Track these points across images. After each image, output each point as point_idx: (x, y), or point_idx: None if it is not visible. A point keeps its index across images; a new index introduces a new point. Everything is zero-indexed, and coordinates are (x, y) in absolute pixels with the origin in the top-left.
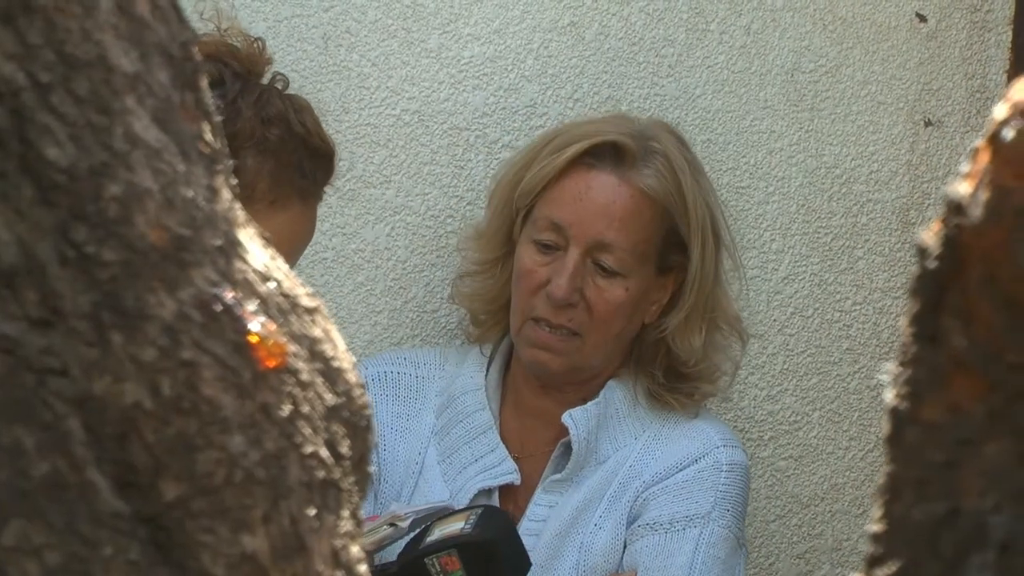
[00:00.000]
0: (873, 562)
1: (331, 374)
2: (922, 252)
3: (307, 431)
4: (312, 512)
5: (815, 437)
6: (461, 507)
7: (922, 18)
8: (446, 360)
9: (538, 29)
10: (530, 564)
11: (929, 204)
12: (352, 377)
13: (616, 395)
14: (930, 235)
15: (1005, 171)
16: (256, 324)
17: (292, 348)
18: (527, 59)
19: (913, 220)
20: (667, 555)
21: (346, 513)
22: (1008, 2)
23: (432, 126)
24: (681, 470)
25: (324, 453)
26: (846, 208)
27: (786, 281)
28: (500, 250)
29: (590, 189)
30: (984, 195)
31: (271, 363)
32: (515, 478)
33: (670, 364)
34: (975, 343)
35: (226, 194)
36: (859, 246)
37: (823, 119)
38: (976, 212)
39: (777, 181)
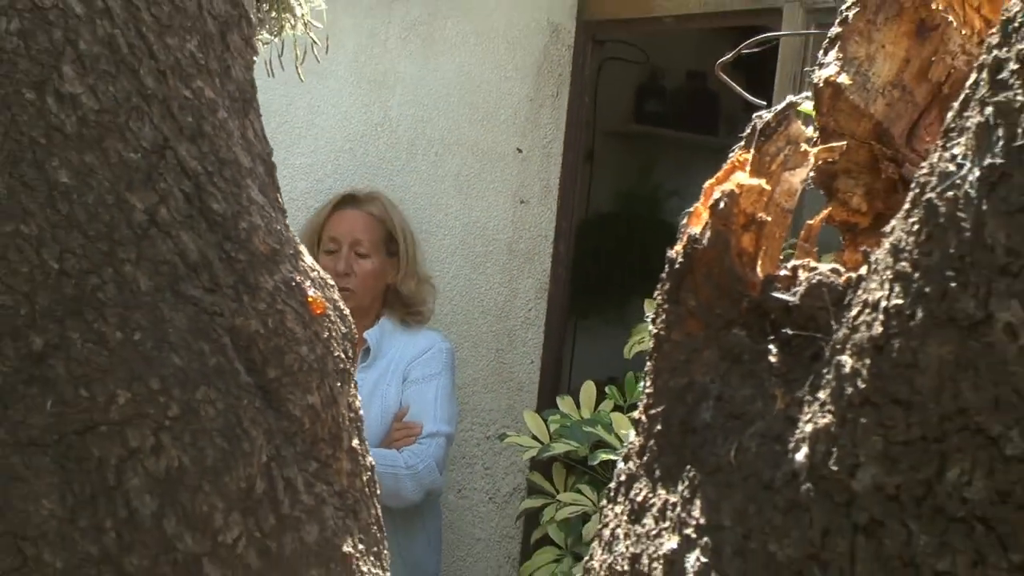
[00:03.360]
0: (647, 408)
1: (343, 317)
2: (671, 260)
3: (334, 344)
4: (339, 384)
5: (465, 352)
6: None
7: (519, 150)
8: None
9: (332, 151)
10: None
11: (522, 242)
12: (350, 319)
13: (385, 322)
14: (675, 251)
15: (719, 223)
16: (311, 291)
17: (327, 304)
18: (328, 165)
19: (515, 250)
20: (422, 394)
21: (352, 385)
22: (560, 143)
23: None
24: (424, 353)
25: (341, 355)
26: (484, 242)
27: (454, 278)
28: None
29: (344, 217)
30: (707, 233)
31: (318, 311)
32: None
33: (404, 303)
34: (700, 304)
35: (291, 229)
36: (488, 262)
37: (474, 199)
38: (704, 241)
39: (449, 229)
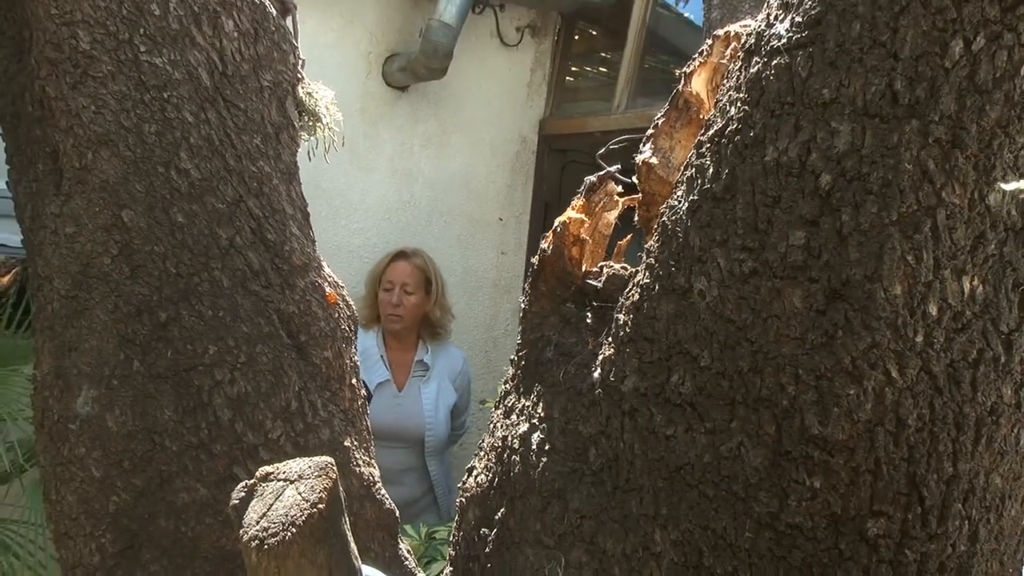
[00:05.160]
0: (517, 351)
1: (348, 305)
2: (532, 264)
3: (342, 321)
4: (344, 346)
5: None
6: None
7: (501, 219)
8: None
9: (376, 220)
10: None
11: (503, 280)
12: (353, 306)
13: (425, 343)
14: (535, 259)
15: (557, 240)
16: (328, 289)
17: (337, 297)
18: (373, 229)
19: (498, 285)
20: (465, 399)
21: (353, 347)
22: (528, 214)
23: (339, 256)
24: (460, 372)
25: (346, 328)
26: (476, 280)
27: (456, 304)
28: (372, 300)
29: (397, 267)
30: (551, 247)
31: (332, 301)
32: (388, 376)
33: (433, 325)
34: (548, 289)
35: (317, 250)
36: (480, 293)
37: (470, 251)
38: (549, 251)
39: (453, 272)
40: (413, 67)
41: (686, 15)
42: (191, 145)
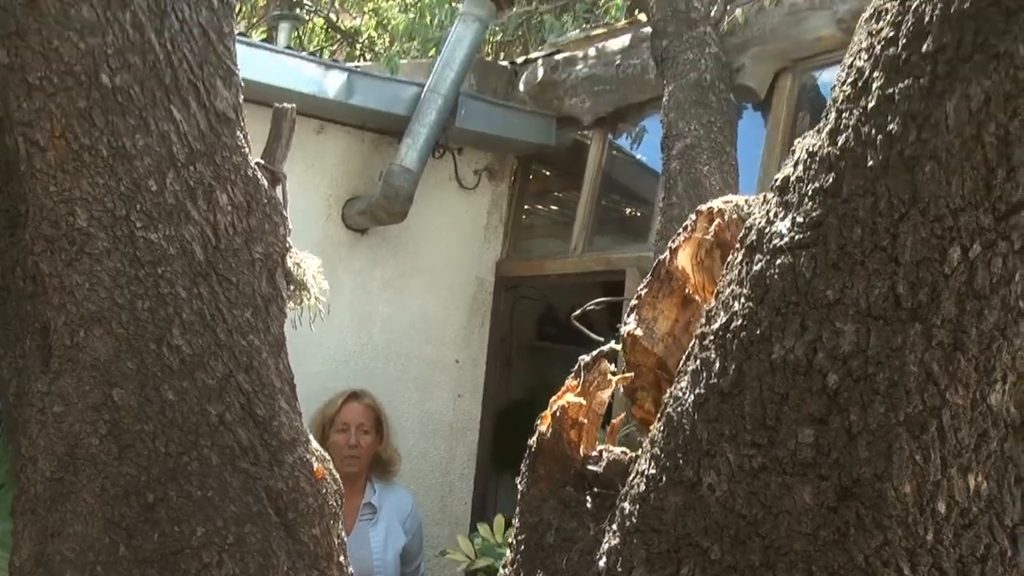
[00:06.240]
0: (516, 535)
1: (335, 479)
2: (530, 446)
3: (329, 497)
4: (332, 522)
5: (420, 496)
6: None
7: (457, 361)
8: None
9: (334, 364)
10: None
11: (459, 423)
12: (340, 480)
13: (375, 484)
14: (532, 440)
15: (556, 424)
16: (315, 464)
17: (325, 472)
18: (330, 373)
19: (454, 428)
20: (418, 543)
21: (340, 523)
22: (484, 356)
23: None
24: (409, 514)
25: (333, 503)
26: (434, 423)
27: (413, 447)
28: (321, 443)
29: (351, 408)
30: (550, 430)
31: (319, 476)
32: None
33: (384, 464)
34: (546, 472)
35: (304, 424)
36: (436, 436)
37: (427, 394)
38: (548, 434)
39: (411, 415)
40: (373, 211)
41: (639, 157)
42: (183, 321)
